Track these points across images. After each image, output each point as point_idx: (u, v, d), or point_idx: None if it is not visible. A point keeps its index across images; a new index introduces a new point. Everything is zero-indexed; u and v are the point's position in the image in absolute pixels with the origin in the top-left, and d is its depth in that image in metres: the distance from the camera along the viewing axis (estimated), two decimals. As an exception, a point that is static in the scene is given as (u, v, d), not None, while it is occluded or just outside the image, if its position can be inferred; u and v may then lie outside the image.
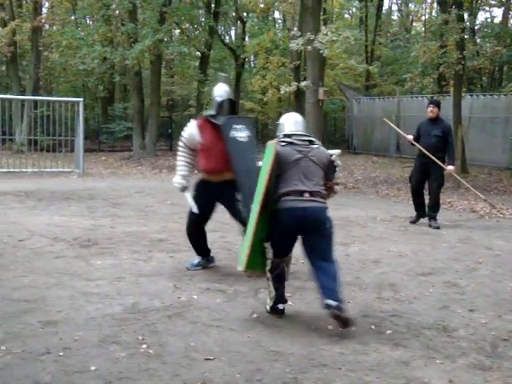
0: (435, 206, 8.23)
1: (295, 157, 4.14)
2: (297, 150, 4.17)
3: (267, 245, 4.19)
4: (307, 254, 4.19)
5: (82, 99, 15.28)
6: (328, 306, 3.91)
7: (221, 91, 5.47)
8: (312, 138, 4.33)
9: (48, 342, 3.60)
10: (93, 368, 3.26)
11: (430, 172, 8.11)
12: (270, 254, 4.20)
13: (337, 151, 4.40)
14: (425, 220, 8.26)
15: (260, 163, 4.32)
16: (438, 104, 8.40)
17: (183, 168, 5.45)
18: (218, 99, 5.41)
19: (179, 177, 5.47)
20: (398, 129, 8.70)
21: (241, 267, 4.21)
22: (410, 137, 8.37)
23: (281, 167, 4.12)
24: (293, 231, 4.12)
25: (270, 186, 4.08)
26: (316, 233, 4.10)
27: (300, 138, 4.27)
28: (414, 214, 8.44)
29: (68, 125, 14.87)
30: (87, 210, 8.84)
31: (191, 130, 5.34)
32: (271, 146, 4.18)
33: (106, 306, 4.32)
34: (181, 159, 5.45)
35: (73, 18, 26.07)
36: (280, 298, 4.26)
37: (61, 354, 3.45)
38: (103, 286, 4.84)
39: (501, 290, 5.12)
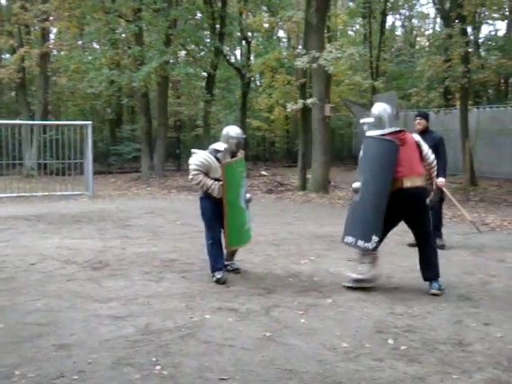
0: (437, 223, 7.46)
1: None
2: None
3: None
4: None
5: (90, 122, 15.39)
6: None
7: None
8: None
9: (62, 366, 3.60)
10: (107, 391, 3.26)
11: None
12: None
13: None
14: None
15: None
16: (425, 116, 8.04)
17: None
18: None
19: None
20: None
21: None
22: None
23: None
24: None
25: None
26: None
27: None
28: None
29: (77, 148, 14.98)
30: (98, 232, 8.88)
31: None
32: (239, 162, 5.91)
33: (119, 328, 4.32)
34: None
35: (80, 42, 26.40)
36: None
37: (75, 377, 3.44)
38: (115, 308, 4.85)
39: (515, 302, 5.07)
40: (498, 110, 18.39)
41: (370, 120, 5.53)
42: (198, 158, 5.83)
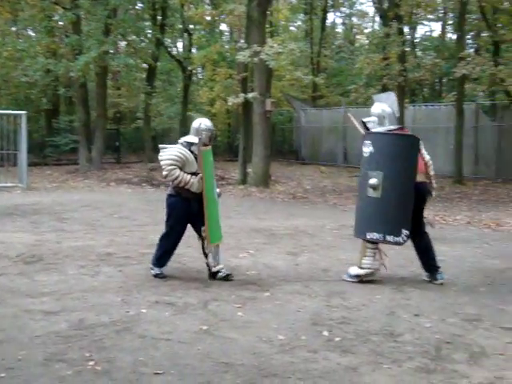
0: None
1: None
2: None
3: None
4: None
5: (24, 112, 14.85)
6: None
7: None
8: None
9: (-10, 363, 3.48)
10: (37, 388, 3.17)
11: None
12: None
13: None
14: None
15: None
16: None
17: None
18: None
19: None
20: (357, 124, 8.61)
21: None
22: None
23: None
24: None
25: None
26: None
27: None
28: None
29: (10, 138, 14.45)
30: (32, 226, 8.61)
31: None
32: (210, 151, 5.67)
33: (52, 323, 4.21)
34: None
35: (13, 29, 25.40)
36: None
37: (3, 374, 3.33)
38: (48, 303, 4.72)
39: (444, 294, 5.28)
40: (433, 108, 18.99)
41: (373, 119, 5.72)
42: (173, 152, 5.49)
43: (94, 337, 3.96)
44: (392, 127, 5.70)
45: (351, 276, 5.64)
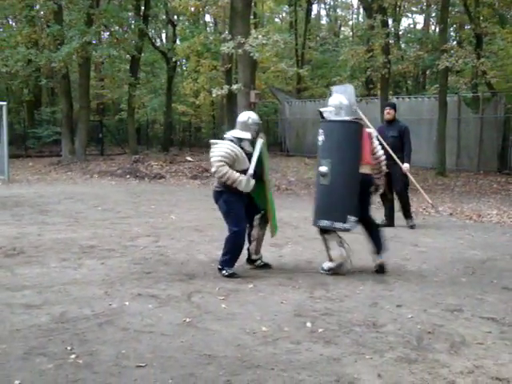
0: (406, 205, 8.52)
1: None
2: None
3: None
4: None
5: (5, 103, 14.70)
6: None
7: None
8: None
9: (-31, 357, 3.44)
10: (17, 382, 3.13)
11: (392, 173, 8.11)
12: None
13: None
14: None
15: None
16: (393, 106, 8.74)
17: None
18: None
19: None
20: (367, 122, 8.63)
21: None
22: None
23: None
24: None
25: None
26: None
27: None
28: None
29: (-9, 130, 14.28)
30: (13, 218, 8.52)
31: None
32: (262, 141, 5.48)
33: (33, 317, 4.17)
34: None
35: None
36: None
37: (-17, 368, 3.30)
38: (29, 296, 4.67)
39: (426, 285, 5.31)
40: (416, 100, 19.07)
41: (330, 109, 5.69)
42: (224, 148, 5.32)
43: (76, 330, 3.93)
44: (347, 118, 5.66)
45: (325, 270, 5.66)
